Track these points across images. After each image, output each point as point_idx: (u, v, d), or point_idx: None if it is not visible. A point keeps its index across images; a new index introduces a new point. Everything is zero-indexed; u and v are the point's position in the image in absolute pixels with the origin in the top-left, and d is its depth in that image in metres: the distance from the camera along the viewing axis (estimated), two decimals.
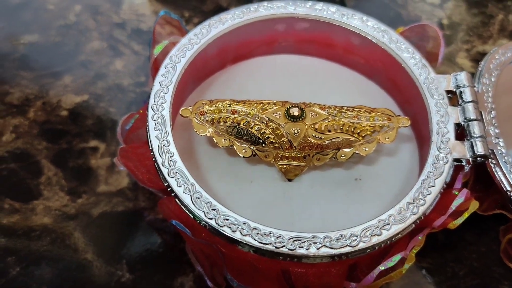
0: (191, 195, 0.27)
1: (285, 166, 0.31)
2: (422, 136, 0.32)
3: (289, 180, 0.31)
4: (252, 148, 0.30)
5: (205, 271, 0.29)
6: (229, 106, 0.31)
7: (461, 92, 0.30)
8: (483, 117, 0.30)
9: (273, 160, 0.31)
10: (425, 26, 0.33)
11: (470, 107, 0.30)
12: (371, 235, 0.26)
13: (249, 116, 0.30)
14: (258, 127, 0.30)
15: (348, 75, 0.36)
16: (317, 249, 0.25)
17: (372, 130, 0.30)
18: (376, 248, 0.26)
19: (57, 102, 0.39)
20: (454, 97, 0.31)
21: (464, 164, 0.29)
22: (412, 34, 0.34)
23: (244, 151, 0.30)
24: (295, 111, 0.30)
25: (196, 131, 0.30)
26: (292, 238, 0.26)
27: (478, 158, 0.28)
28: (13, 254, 0.33)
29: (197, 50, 0.32)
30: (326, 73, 0.36)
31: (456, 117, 0.30)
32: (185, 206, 0.26)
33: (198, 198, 0.27)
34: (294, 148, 0.30)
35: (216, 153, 0.32)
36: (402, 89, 0.34)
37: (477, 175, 0.31)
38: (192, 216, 0.26)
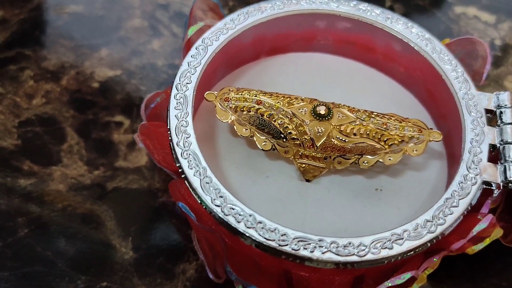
0: (200, 179, 0.26)
1: (304, 165, 0.30)
2: (454, 154, 0.30)
3: (307, 180, 0.30)
4: (272, 141, 0.29)
5: (207, 261, 0.28)
6: (255, 96, 0.30)
7: (501, 112, 0.28)
8: None
9: (292, 157, 0.30)
10: (473, 41, 0.32)
11: (508, 129, 0.28)
12: (382, 248, 0.24)
13: (274, 108, 0.29)
14: (281, 121, 0.29)
15: (385, 82, 0.35)
16: (322, 253, 0.24)
17: (400, 140, 0.29)
18: (385, 262, 0.25)
19: (90, 73, 0.39)
20: (493, 117, 0.29)
21: (493, 188, 0.27)
22: (458, 48, 0.32)
23: (264, 143, 0.29)
24: (322, 110, 0.29)
25: (218, 117, 0.30)
26: (297, 238, 0.24)
27: (510, 184, 0.26)
28: (24, 215, 0.33)
29: (231, 35, 0.31)
30: (362, 78, 0.35)
31: (492, 138, 0.28)
32: (193, 189, 0.26)
33: (208, 183, 0.26)
34: (315, 148, 0.29)
35: (236, 143, 0.31)
36: (439, 103, 0.32)
37: (508, 203, 0.29)
38: (199, 201, 0.26)
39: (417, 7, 0.45)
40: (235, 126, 0.30)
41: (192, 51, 0.30)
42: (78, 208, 0.33)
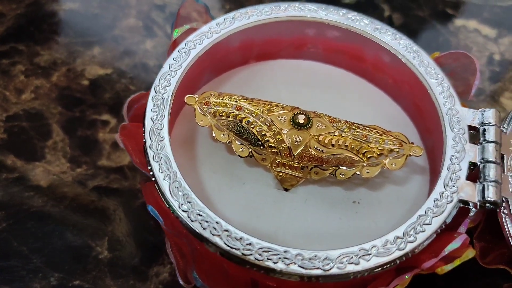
0: (170, 183, 0.26)
1: (281, 174, 0.29)
2: (436, 170, 0.30)
3: (286, 189, 0.30)
4: (250, 148, 0.29)
5: (177, 265, 0.28)
6: (235, 102, 0.29)
7: (484, 130, 0.28)
8: (504, 161, 0.27)
9: (269, 165, 0.29)
10: (464, 55, 0.31)
11: (490, 147, 0.27)
12: (348, 263, 0.24)
13: (253, 115, 0.29)
14: (259, 128, 0.29)
15: (374, 94, 0.34)
16: (286, 265, 0.24)
17: (379, 153, 0.28)
18: (351, 277, 0.24)
19: (81, 71, 0.39)
20: (477, 135, 0.28)
21: (471, 207, 0.26)
22: (449, 62, 0.32)
23: (241, 150, 0.29)
24: (301, 119, 0.29)
25: (196, 121, 0.29)
26: (262, 248, 0.24)
27: (487, 204, 0.26)
28: (3, 209, 0.33)
29: (216, 39, 0.31)
30: (351, 87, 0.35)
31: (473, 156, 0.27)
32: (162, 193, 0.25)
33: (177, 187, 0.26)
34: (292, 157, 0.29)
35: (215, 148, 0.31)
36: (425, 117, 0.31)
37: (488, 223, 0.28)
38: (167, 205, 0.25)
39: (417, 18, 0.44)
40: (213, 131, 0.29)
41: (175, 53, 0.30)
42: (57, 205, 0.33)
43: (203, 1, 0.33)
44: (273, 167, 0.29)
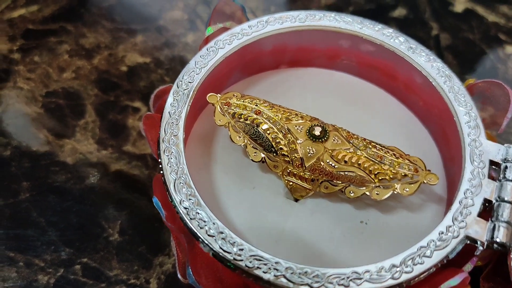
0: (176, 178, 0.26)
1: (291, 183, 0.29)
2: (452, 202, 0.29)
3: (296, 200, 0.30)
4: (263, 154, 0.29)
5: (178, 259, 0.29)
6: (255, 106, 0.30)
7: (506, 167, 0.26)
8: None
9: (281, 173, 0.29)
10: (496, 84, 0.29)
11: (509, 186, 0.26)
12: (338, 284, 0.23)
13: (271, 121, 0.29)
14: (275, 135, 0.29)
15: (402, 114, 0.33)
16: (275, 276, 0.24)
17: (391, 176, 0.27)
18: None
19: (122, 57, 0.41)
20: (498, 171, 0.27)
21: (478, 246, 0.25)
22: (482, 90, 0.30)
23: (254, 154, 0.29)
24: (318, 131, 0.28)
25: (215, 119, 0.30)
26: (254, 256, 0.24)
27: (495, 245, 0.25)
28: (29, 180, 0.35)
29: (245, 41, 0.31)
30: (380, 105, 0.34)
31: (490, 193, 0.26)
32: (167, 187, 0.26)
33: (181, 183, 0.26)
34: (304, 168, 0.28)
35: (231, 149, 0.31)
36: (451, 145, 0.30)
37: (499, 264, 0.27)
38: (170, 199, 0.26)
39: (466, 40, 0.42)
40: (229, 132, 0.29)
41: (203, 51, 0.31)
42: (79, 183, 0.35)
43: (240, 2, 0.34)
44: (284, 176, 0.29)
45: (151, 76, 0.40)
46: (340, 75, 0.35)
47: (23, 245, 0.33)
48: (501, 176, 0.26)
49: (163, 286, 0.31)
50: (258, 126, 0.29)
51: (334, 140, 0.28)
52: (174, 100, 0.29)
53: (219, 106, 0.30)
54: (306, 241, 0.28)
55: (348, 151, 0.28)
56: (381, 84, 0.34)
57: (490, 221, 0.25)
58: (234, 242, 0.24)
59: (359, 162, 0.28)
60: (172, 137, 0.27)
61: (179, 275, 0.29)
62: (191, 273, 0.26)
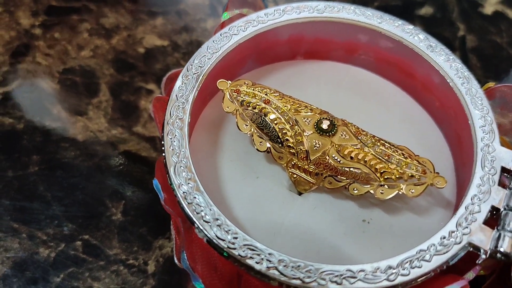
0: (177, 162, 0.26)
1: (295, 176, 0.29)
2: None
3: (299, 193, 0.29)
4: (269, 144, 0.29)
5: (175, 244, 0.29)
6: (265, 95, 0.29)
7: None
8: None
9: (285, 164, 0.29)
10: None
11: None
12: (330, 280, 0.23)
13: (279, 111, 0.28)
14: (282, 126, 0.28)
15: (418, 113, 0.32)
16: (267, 267, 0.23)
17: (398, 176, 0.27)
18: None
19: (140, 38, 0.41)
20: (510, 179, 0.26)
21: (480, 254, 0.24)
22: (502, 94, 0.29)
23: (260, 143, 0.29)
24: (326, 124, 0.28)
25: (223, 106, 0.29)
26: (247, 245, 0.24)
27: (499, 255, 0.24)
28: (39, 154, 0.35)
29: (261, 29, 0.31)
30: (395, 103, 0.33)
31: (498, 201, 0.25)
32: (167, 170, 0.26)
33: (182, 167, 0.26)
34: (308, 161, 0.28)
35: (239, 137, 0.31)
36: (463, 149, 0.29)
37: (502, 274, 0.26)
38: (169, 182, 0.26)
39: (492, 43, 0.41)
40: (237, 120, 0.29)
41: (216, 36, 0.30)
42: (87, 161, 0.35)
43: None
44: (289, 168, 0.29)
45: (167, 60, 0.40)
46: (357, 70, 0.34)
47: (27, 218, 0.33)
48: None
49: (160, 269, 0.31)
50: (265, 115, 0.28)
51: (342, 135, 0.28)
52: (182, 84, 0.28)
53: (228, 93, 0.29)
54: (305, 236, 0.28)
55: (355, 147, 0.27)
56: (398, 82, 0.33)
57: (496, 229, 0.24)
58: (229, 230, 0.24)
59: (365, 159, 0.27)
60: (177, 120, 0.27)
61: (175, 260, 0.29)
62: (186, 258, 0.26)
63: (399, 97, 0.33)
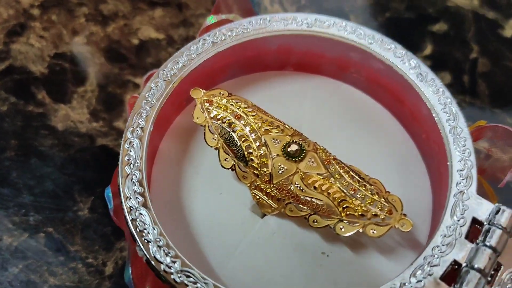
0: (130, 172, 0.25)
1: (258, 197, 0.27)
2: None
3: (262, 216, 0.28)
4: (234, 162, 0.27)
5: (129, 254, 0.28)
6: (238, 109, 0.28)
7: (488, 230, 0.23)
8: (498, 274, 0.23)
9: (249, 185, 0.27)
10: (505, 131, 0.26)
11: (485, 253, 0.23)
12: None
13: (248, 128, 0.27)
14: (248, 144, 0.27)
15: (404, 143, 0.30)
16: None
17: (360, 213, 0.25)
18: None
19: (136, 29, 0.40)
20: (478, 231, 0.24)
21: None
22: (490, 135, 0.27)
23: (225, 160, 0.28)
24: (293, 148, 0.26)
25: (193, 116, 0.28)
26: (184, 271, 0.23)
27: None
28: (17, 139, 0.35)
29: (242, 39, 0.29)
30: (382, 128, 0.31)
31: (462, 255, 0.23)
32: (118, 179, 0.25)
33: (133, 180, 0.25)
34: (271, 185, 0.26)
35: (210, 148, 0.29)
36: (442, 189, 0.27)
37: None
38: (120, 190, 0.25)
39: (506, 69, 0.38)
40: (205, 132, 0.28)
41: (195, 41, 0.29)
42: (63, 151, 0.35)
43: None
44: (252, 188, 0.27)
45: (160, 54, 0.39)
46: (347, 88, 0.32)
47: None
48: (480, 239, 0.23)
49: (118, 271, 0.31)
50: (234, 131, 0.27)
51: (309, 161, 0.26)
52: (151, 90, 0.27)
53: (200, 103, 0.28)
54: (259, 263, 0.26)
55: (320, 177, 0.26)
56: (388, 106, 0.31)
57: (453, 286, 0.23)
58: (169, 253, 0.23)
59: (329, 191, 0.25)
60: (138, 129, 0.26)
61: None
62: (130, 272, 0.25)
63: (387, 123, 0.31)
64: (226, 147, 0.27)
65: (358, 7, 0.41)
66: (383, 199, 0.25)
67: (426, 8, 0.41)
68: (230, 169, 0.28)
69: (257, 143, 0.27)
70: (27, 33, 0.39)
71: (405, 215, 0.25)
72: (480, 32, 0.40)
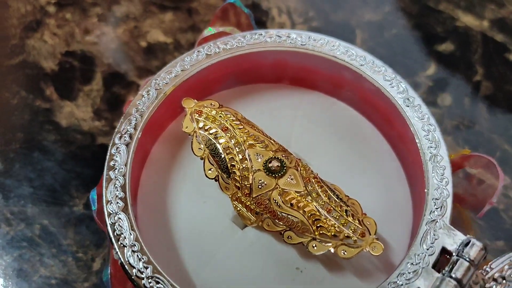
0: (114, 176, 0.26)
1: (239, 208, 0.28)
2: None
3: (243, 227, 0.29)
4: (218, 172, 0.28)
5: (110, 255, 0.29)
6: (225, 121, 0.28)
7: (456, 261, 0.23)
8: None
9: (230, 196, 0.28)
10: (489, 163, 0.26)
11: (449, 284, 0.23)
12: None
13: (233, 141, 0.28)
14: (232, 157, 0.28)
15: (392, 165, 0.31)
16: None
17: (333, 233, 0.26)
18: None
19: (145, 32, 0.41)
20: (447, 261, 0.24)
21: None
22: (473, 165, 0.27)
23: (210, 170, 0.28)
24: (274, 164, 0.27)
25: (182, 125, 0.29)
26: (155, 277, 0.24)
27: None
28: (22, 132, 0.37)
29: (235, 53, 0.30)
30: (371, 149, 0.31)
31: (426, 285, 0.23)
32: (104, 179, 0.26)
33: (116, 185, 0.26)
34: (251, 198, 0.27)
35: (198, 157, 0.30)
36: (418, 215, 0.27)
37: None
38: (103, 194, 0.26)
39: (509, 95, 0.38)
40: (192, 142, 0.29)
41: (190, 52, 0.30)
42: (65, 147, 0.36)
43: (248, 10, 0.32)
44: (233, 200, 0.28)
45: (166, 58, 0.40)
46: (341, 106, 0.33)
47: None
48: (446, 270, 0.23)
49: (105, 268, 0.32)
50: (219, 143, 0.28)
51: (289, 178, 0.27)
52: (142, 97, 0.28)
53: (190, 113, 0.29)
54: (233, 273, 0.27)
55: (298, 194, 0.26)
56: (378, 126, 0.32)
57: None
58: (141, 258, 0.24)
59: (305, 209, 0.26)
60: (126, 135, 0.27)
61: (109, 270, 0.29)
62: (109, 273, 0.26)
63: (377, 143, 0.32)
64: (211, 158, 0.28)
65: (365, 21, 0.41)
66: (358, 221, 0.26)
67: (434, 26, 0.40)
68: (214, 180, 0.28)
69: (240, 156, 0.27)
70: (41, 29, 0.41)
71: (377, 238, 0.26)
72: (486, 55, 0.39)
